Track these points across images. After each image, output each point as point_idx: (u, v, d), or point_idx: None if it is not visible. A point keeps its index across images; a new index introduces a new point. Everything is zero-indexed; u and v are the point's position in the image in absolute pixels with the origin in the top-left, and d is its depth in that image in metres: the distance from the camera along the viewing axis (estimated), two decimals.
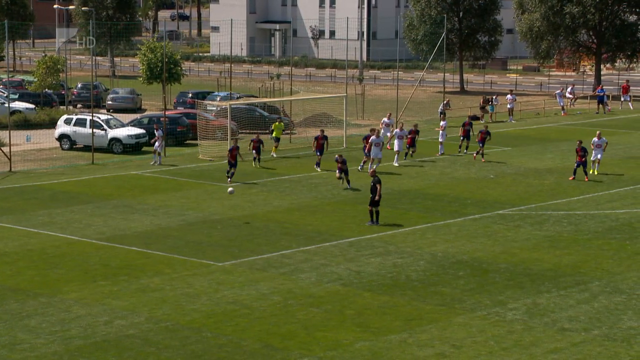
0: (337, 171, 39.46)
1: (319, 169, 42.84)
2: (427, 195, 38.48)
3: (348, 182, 39.33)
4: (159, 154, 45.24)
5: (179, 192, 39.18)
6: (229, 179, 39.94)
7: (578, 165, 41.44)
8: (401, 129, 46.45)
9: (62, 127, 50.98)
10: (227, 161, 40.55)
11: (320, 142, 43.35)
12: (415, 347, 21.95)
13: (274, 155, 47.46)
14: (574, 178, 41.22)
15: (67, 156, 48.28)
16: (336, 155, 39.94)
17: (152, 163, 44.58)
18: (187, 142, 52.14)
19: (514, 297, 25.65)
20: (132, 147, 49.61)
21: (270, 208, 36.26)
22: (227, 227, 33.14)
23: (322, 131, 44.18)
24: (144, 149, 49.66)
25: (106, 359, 20.95)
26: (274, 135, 48.46)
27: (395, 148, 45.42)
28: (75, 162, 46.43)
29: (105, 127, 49.88)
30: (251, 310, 24.39)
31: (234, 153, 40.33)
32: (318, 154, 43.40)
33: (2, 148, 45.79)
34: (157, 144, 45.20)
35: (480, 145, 46.18)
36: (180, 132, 52.26)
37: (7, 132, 45.92)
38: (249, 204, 36.77)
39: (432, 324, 23.51)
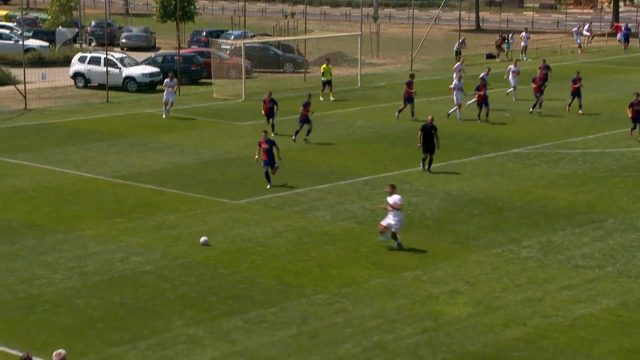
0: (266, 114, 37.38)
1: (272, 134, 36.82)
2: (442, 134, 38.15)
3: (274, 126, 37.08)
4: (168, 104, 41.79)
5: (193, 130, 39.19)
6: (294, 137, 36.62)
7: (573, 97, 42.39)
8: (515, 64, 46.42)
9: (76, 65, 50.92)
10: (299, 117, 36.69)
11: (268, 106, 38.08)
12: (429, 284, 22.07)
13: (322, 99, 45.83)
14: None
15: (81, 94, 48.28)
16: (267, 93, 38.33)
17: (164, 117, 41.81)
18: (201, 80, 52.01)
19: (528, 235, 25.69)
20: (147, 86, 49.55)
21: (285, 147, 36.21)
22: (241, 166, 33.20)
23: (270, 94, 38.80)
24: (158, 87, 49.57)
25: (123, 294, 21.18)
26: (324, 78, 46.48)
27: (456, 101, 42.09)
28: (89, 100, 46.43)
29: (119, 65, 49.77)
30: (266, 247, 24.53)
31: (307, 109, 36.43)
32: (267, 119, 38.23)
33: (17, 86, 45.81)
34: (167, 94, 41.95)
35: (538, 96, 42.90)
36: (194, 71, 52.12)
37: (22, 69, 45.89)
38: None
39: (446, 261, 23.61)
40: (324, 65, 47.05)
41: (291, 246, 24.63)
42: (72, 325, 19.46)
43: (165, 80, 42.70)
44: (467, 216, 27.41)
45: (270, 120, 37.83)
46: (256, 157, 29.88)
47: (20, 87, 45.18)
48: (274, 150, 29.70)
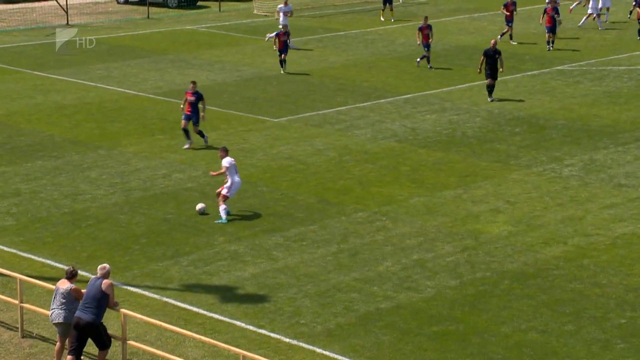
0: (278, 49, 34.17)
1: (282, 71, 34.41)
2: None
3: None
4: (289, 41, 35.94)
5: (234, 47, 39.06)
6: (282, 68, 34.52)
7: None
8: None
9: None
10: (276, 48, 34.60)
11: (282, 40, 34.28)
12: (470, 202, 22.06)
13: (383, 19, 44.41)
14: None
15: (123, 10, 48.18)
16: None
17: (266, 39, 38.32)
18: None
19: (570, 154, 25.49)
20: (187, 2, 49.27)
21: (326, 64, 36.05)
22: (282, 83, 33.11)
23: (286, 26, 35.62)
24: (199, 3, 49.28)
25: (165, 211, 21.43)
26: None
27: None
28: (131, 16, 46.34)
29: None
30: (306, 165, 24.60)
31: (281, 39, 34.24)
32: (279, 54, 34.53)
33: (59, 1, 45.81)
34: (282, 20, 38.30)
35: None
36: None
37: None
38: (305, 60, 36.57)
39: (487, 180, 23.54)
40: None
41: (331, 164, 24.68)
42: (115, 240, 19.79)
43: (280, 6, 39.31)
44: (508, 134, 27.21)
45: (283, 55, 34.13)
46: (182, 106, 26.10)
47: (62, 2, 45.18)
48: (200, 105, 25.61)
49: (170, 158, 24.98)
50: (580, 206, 21.85)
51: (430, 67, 35.03)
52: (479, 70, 30.73)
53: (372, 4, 48.33)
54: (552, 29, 37.57)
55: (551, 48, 37.60)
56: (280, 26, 36.09)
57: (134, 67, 35.40)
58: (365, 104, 30.49)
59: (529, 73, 34.49)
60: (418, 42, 35.45)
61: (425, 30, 34.81)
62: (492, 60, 30.12)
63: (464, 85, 32.78)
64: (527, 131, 27.56)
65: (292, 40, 36.87)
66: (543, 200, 22.23)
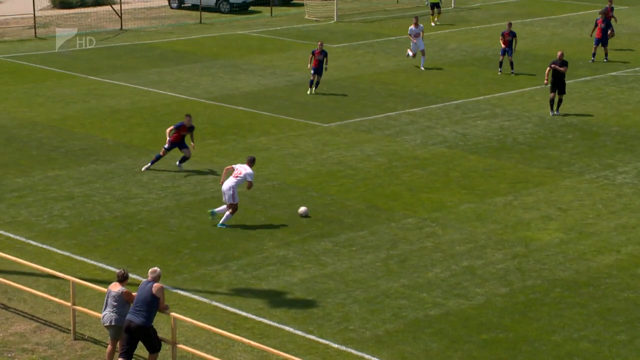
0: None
1: (310, 91, 32.24)
2: (536, 57, 37.55)
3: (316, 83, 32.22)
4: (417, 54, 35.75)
5: (285, 52, 39.20)
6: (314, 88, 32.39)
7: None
8: None
9: None
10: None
11: (318, 59, 31.81)
12: (521, 209, 21.88)
13: (434, 24, 44.14)
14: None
15: (175, 15, 48.62)
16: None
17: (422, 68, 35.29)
18: (294, 2, 51.76)
19: (624, 161, 25.16)
20: (239, 7, 49.58)
21: (376, 69, 36.02)
22: (333, 88, 33.14)
23: (321, 44, 32.41)
24: (251, 8, 49.56)
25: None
26: (429, 1, 44.99)
27: None
28: (183, 21, 46.75)
29: None
30: (356, 171, 24.59)
31: (317, 57, 31.73)
32: (313, 73, 32.08)
33: (113, 6, 46.37)
34: (413, 45, 35.83)
35: None
36: None
37: None
38: (355, 65, 36.59)
39: (538, 187, 23.33)
40: None
41: (381, 170, 24.64)
42: (166, 244, 19.96)
43: (410, 27, 36.11)
44: (560, 141, 26.95)
45: (316, 76, 31.84)
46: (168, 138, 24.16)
47: (116, 7, 45.73)
48: (188, 136, 24.25)
49: (220, 162, 25.13)
50: (633, 214, 21.56)
51: (513, 73, 34.73)
52: (545, 82, 29.70)
53: (424, 9, 48.19)
54: (600, 40, 36.29)
55: (606, 60, 36.36)
56: (410, 51, 35.79)
57: (186, 72, 35.70)
58: (415, 109, 30.41)
59: (582, 79, 34.13)
60: (503, 47, 34.63)
61: (507, 37, 34.40)
62: (557, 72, 28.97)
63: (515, 91, 32.54)
64: (579, 138, 27.27)
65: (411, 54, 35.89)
66: (596, 207, 21.97)
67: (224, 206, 21.00)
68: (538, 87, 32.93)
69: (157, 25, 45.89)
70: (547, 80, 29.39)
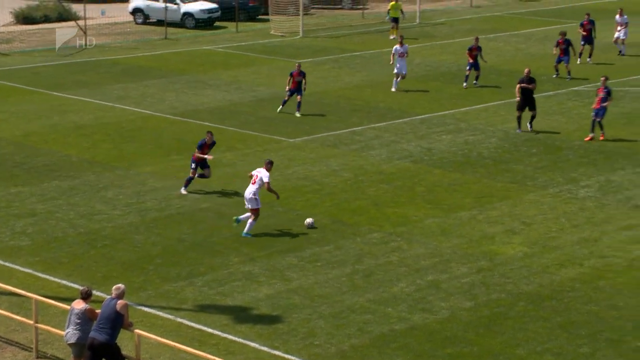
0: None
1: (280, 109, 31.59)
2: (501, 72, 37.87)
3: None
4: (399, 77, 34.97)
5: (250, 67, 39.21)
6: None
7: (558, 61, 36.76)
8: None
9: (135, 1, 50.98)
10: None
11: (297, 80, 31.10)
12: (485, 223, 22.01)
13: (392, 37, 44.48)
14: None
15: (140, 30, 48.47)
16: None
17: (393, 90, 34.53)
18: (259, 17, 51.83)
19: (587, 175, 25.40)
20: (205, 22, 49.54)
21: (342, 84, 36.13)
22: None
23: (299, 65, 31.75)
24: (216, 24, 49.55)
25: (181, 230, 21.48)
26: (390, 15, 45.81)
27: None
28: (148, 37, 46.62)
29: (178, 1, 49.77)
30: (322, 186, 24.62)
31: (295, 79, 31.05)
32: (289, 94, 31.36)
33: (77, 21, 46.14)
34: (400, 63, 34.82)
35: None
36: (252, 7, 51.91)
37: (82, 5, 46.15)
38: (321, 80, 36.66)
39: (502, 201, 23.48)
40: (392, 2, 46.14)
41: (346, 185, 24.68)
42: (131, 260, 19.84)
43: (395, 47, 35.25)
44: (524, 155, 27.16)
45: (297, 96, 30.99)
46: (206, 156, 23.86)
47: (81, 22, 45.51)
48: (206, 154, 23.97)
49: (185, 178, 25.00)
50: (596, 227, 21.76)
51: (476, 84, 35.29)
52: (517, 98, 29.51)
53: (388, 25, 48.43)
54: (562, 59, 36.47)
55: (569, 78, 36.48)
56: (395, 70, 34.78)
57: (151, 88, 35.58)
58: (380, 124, 30.52)
59: (545, 94, 34.42)
60: (470, 61, 35.09)
61: (475, 51, 34.91)
62: (525, 89, 29.02)
63: (480, 106, 32.77)
64: (543, 152, 27.50)
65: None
66: (559, 221, 22.14)
67: (248, 213, 21.13)
68: (502, 101, 33.20)
69: (122, 40, 45.73)
70: (518, 96, 29.34)
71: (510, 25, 48.74)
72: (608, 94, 28.17)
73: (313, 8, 53.89)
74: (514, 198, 23.67)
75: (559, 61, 36.68)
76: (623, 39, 41.20)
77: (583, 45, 39.36)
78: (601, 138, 28.29)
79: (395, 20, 45.81)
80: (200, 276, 19.08)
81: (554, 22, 48.95)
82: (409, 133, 29.49)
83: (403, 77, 35.11)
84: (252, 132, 29.55)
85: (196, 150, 23.86)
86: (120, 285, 14.91)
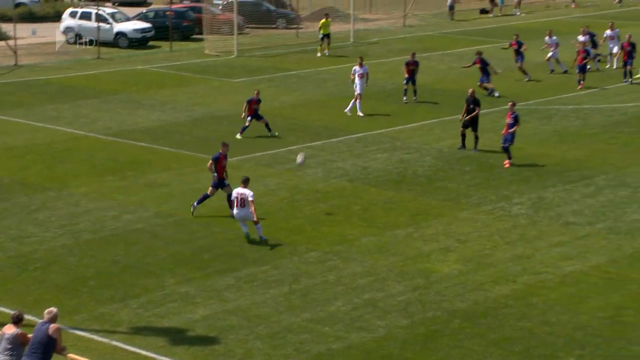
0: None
1: (239, 136, 31.02)
2: (434, 91, 38.28)
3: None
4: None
5: (185, 87, 39.04)
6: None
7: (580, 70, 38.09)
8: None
9: (67, 21, 50.48)
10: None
11: (254, 107, 31.04)
12: (421, 241, 22.17)
13: (320, 55, 45.65)
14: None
15: (72, 50, 47.97)
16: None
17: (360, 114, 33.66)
18: (193, 36, 51.69)
19: (519, 192, 25.76)
20: (138, 42, 49.23)
21: (277, 104, 36.17)
22: (233, 123, 33.09)
23: (258, 93, 31.65)
24: (150, 43, 49.28)
25: (115, 252, 21.24)
26: (322, 32, 46.38)
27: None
28: (81, 57, 46.15)
29: (110, 20, 49.42)
30: (258, 205, 24.46)
31: (252, 106, 30.96)
32: (249, 120, 31.02)
33: (8, 41, 45.48)
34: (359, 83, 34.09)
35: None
36: (186, 27, 51.77)
37: (12, 25, 45.53)
38: None
39: (437, 218, 23.69)
40: (323, 20, 46.91)
41: (283, 204, 24.67)
42: (63, 283, 19.55)
43: (354, 67, 34.62)
44: (458, 173, 27.45)
45: (266, 124, 31.00)
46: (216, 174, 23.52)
47: (11, 42, 44.87)
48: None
49: (119, 199, 24.81)
50: (529, 244, 22.06)
51: (415, 100, 35.79)
52: (460, 118, 29.90)
53: (351, 48, 48.71)
54: (483, 78, 37.15)
55: (489, 94, 36.87)
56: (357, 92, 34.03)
57: (85, 108, 35.21)
58: (316, 143, 30.60)
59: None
60: (406, 76, 35.70)
61: (411, 66, 35.54)
62: (468, 108, 29.29)
63: (414, 124, 33.07)
64: (476, 170, 27.83)
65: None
66: (492, 238, 22.41)
67: (246, 227, 21.83)
68: (436, 120, 33.56)
69: (54, 60, 45.20)
70: (462, 116, 29.63)
71: (442, 44, 49.33)
72: (515, 119, 27.85)
73: (247, 27, 53.94)
74: (449, 216, 23.90)
75: (481, 81, 37.26)
76: (557, 59, 42.04)
77: (518, 62, 40.20)
78: (506, 165, 27.75)
79: (327, 36, 46.46)
80: (135, 298, 18.87)
81: (485, 41, 49.68)
82: (345, 152, 29.62)
83: (359, 97, 34.35)
84: (188, 152, 29.39)
85: (211, 162, 23.31)
86: (52, 308, 14.67)
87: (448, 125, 32.83)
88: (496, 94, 36.84)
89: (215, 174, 23.39)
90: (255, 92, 31.96)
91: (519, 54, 40.44)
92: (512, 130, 27.94)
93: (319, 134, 31.65)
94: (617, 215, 23.96)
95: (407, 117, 34.05)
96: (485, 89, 37.20)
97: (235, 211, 21.83)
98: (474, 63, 37.26)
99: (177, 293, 19.13)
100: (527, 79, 40.08)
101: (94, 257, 20.94)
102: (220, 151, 23.56)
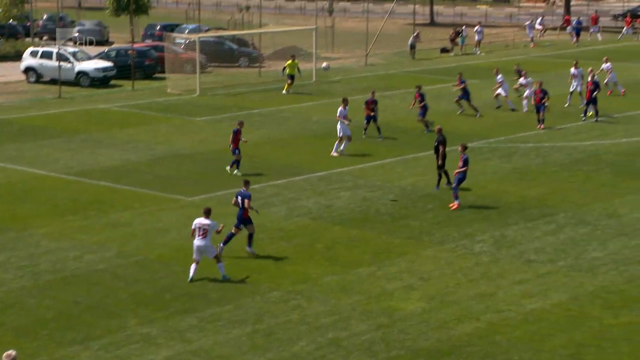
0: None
1: (233, 170, 31.47)
2: (396, 129, 38.51)
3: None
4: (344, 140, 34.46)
5: (147, 126, 38.96)
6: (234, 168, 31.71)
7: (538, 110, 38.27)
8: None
9: (28, 60, 50.30)
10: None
11: (239, 138, 31.53)
12: (384, 280, 22.18)
13: (285, 92, 46.24)
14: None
15: (33, 89, 47.75)
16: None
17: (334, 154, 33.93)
18: (156, 75, 51.69)
19: (481, 230, 25.91)
20: (100, 81, 49.13)
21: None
22: (196, 162, 33.07)
23: (242, 123, 32.20)
24: (112, 82, 49.18)
25: (76, 293, 21.02)
26: (287, 72, 46.89)
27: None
28: (42, 96, 45.93)
29: (72, 59, 49.28)
30: (219, 242, 24.43)
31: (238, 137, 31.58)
32: (238, 152, 31.57)
33: None
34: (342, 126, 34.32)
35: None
36: (148, 66, 51.78)
37: None
38: (219, 138, 36.65)
39: (400, 257, 23.73)
40: (289, 61, 47.19)
41: (246, 243, 24.57)
42: (23, 325, 19.28)
43: (340, 108, 34.72)
44: (421, 211, 27.57)
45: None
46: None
47: None
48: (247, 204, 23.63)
49: (81, 239, 24.60)
50: (491, 282, 22.16)
51: (380, 137, 36.23)
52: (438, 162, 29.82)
53: (285, 82, 48.93)
54: (421, 113, 37.91)
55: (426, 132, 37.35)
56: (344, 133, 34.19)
57: (46, 147, 34.97)
58: (279, 181, 30.62)
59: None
60: (367, 114, 36.30)
61: (371, 104, 36.12)
62: (435, 147, 29.45)
63: (377, 162, 33.22)
64: (439, 207, 27.97)
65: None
66: (455, 276, 22.48)
67: (217, 265, 21.83)
68: (399, 158, 33.73)
69: (15, 100, 44.92)
70: (435, 154, 29.73)
71: (403, 83, 49.71)
72: (465, 162, 27.89)
73: (210, 66, 54.05)
74: (412, 254, 23.96)
75: (421, 114, 37.86)
76: (505, 96, 42.68)
77: (461, 99, 41.32)
78: (453, 207, 27.57)
79: (291, 77, 46.70)
80: (96, 340, 18.65)
81: (446, 80, 50.14)
82: (308, 190, 29.66)
83: (349, 140, 34.23)
84: (150, 191, 29.26)
85: (239, 200, 23.40)
86: (11, 351, 14.45)
87: (410, 163, 33.03)
88: (426, 131, 37.27)
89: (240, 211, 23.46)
90: (240, 122, 32.03)
91: (464, 91, 40.99)
92: (461, 170, 27.86)
93: (282, 173, 31.68)
94: (578, 253, 24.17)
95: (369, 155, 34.19)
96: (425, 124, 37.67)
97: (195, 242, 21.69)
98: (415, 98, 37.89)
99: (139, 334, 18.95)
100: (477, 115, 40.64)
101: (54, 298, 20.70)
102: (243, 188, 23.78)
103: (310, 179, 30.96)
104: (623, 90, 46.12)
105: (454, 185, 28.01)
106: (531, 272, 22.82)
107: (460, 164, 27.93)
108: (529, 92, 42.12)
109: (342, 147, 34.30)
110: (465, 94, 41.21)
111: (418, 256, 23.79)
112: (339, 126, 34.32)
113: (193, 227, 21.93)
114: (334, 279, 22.13)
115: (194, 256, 21.87)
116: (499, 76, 42.87)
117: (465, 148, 28.20)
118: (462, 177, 27.87)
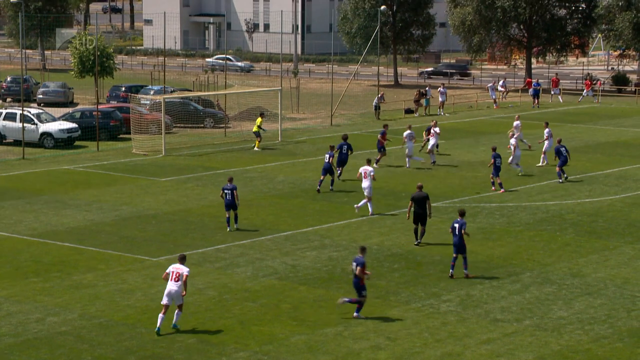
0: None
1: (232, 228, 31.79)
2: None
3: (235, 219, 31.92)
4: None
5: (112, 187, 38.77)
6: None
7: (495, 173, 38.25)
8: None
9: None
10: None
11: (235, 194, 31.68)
12: (351, 340, 22.06)
13: (257, 149, 47.60)
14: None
15: None
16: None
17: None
18: (121, 136, 51.61)
19: (447, 289, 25.92)
20: (64, 142, 48.94)
21: (206, 202, 36.08)
22: (161, 222, 32.90)
23: (231, 179, 32.20)
24: (76, 143, 48.99)
25: (38, 357, 20.66)
26: (256, 129, 48.12)
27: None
28: (5, 157, 45.62)
29: (36, 121, 49.11)
30: (186, 305, 24.19)
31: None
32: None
33: None
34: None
35: None
36: (113, 127, 51.71)
37: None
38: (184, 199, 36.55)
39: (367, 316, 23.63)
40: (259, 119, 48.59)
41: (212, 303, 24.41)
42: None
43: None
44: (387, 271, 27.56)
45: (231, 212, 31.54)
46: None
47: None
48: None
49: (44, 301, 24.27)
50: (458, 342, 22.11)
51: (339, 177, 38.59)
52: (407, 217, 30.33)
53: (251, 143, 49.08)
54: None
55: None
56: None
57: (8, 209, 34.64)
58: (245, 241, 30.51)
59: (405, 209, 35.12)
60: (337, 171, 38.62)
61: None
62: (419, 204, 29.50)
63: (343, 222, 33.24)
64: (405, 267, 27.98)
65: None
66: (422, 336, 22.42)
67: (176, 312, 22.34)
68: (364, 217, 33.77)
69: None
70: (408, 214, 30.01)
71: (369, 143, 49.96)
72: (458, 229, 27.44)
73: (175, 127, 54.08)
74: (378, 313, 23.87)
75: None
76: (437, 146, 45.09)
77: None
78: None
79: (257, 134, 47.93)
80: None
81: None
82: (274, 250, 29.57)
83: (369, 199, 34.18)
84: (114, 252, 29.01)
85: (354, 266, 23.54)
86: None
87: (376, 223, 33.08)
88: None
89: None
90: (229, 178, 32.18)
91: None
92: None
93: (247, 233, 31.58)
94: (544, 312, 24.22)
95: (335, 215, 34.23)
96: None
97: (169, 286, 22.21)
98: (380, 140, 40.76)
99: None
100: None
101: None
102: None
103: (275, 239, 30.90)
104: (529, 145, 47.84)
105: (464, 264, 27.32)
106: (497, 331, 22.81)
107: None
108: (435, 143, 44.47)
109: (369, 207, 33.98)
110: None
111: (385, 316, 23.70)
112: (366, 184, 34.03)
113: (167, 271, 22.47)
114: (301, 339, 21.97)
115: (163, 301, 21.94)
116: (435, 129, 44.71)
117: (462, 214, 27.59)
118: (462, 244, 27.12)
